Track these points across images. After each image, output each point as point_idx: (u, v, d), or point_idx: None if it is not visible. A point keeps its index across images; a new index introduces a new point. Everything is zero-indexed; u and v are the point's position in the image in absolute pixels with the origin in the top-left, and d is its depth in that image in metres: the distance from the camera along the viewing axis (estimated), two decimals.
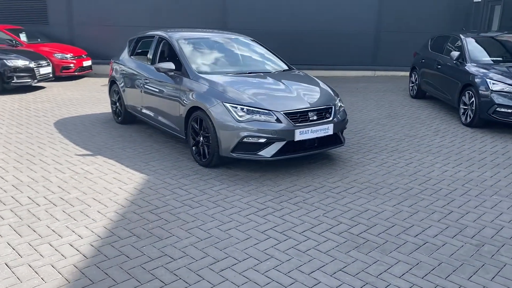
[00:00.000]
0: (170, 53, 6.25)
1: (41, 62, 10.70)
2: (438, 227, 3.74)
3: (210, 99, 4.97)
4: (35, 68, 10.42)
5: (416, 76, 10.09)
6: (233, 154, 4.82)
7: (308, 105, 4.97)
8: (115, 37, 14.00)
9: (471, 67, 7.57)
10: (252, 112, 4.77)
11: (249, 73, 5.71)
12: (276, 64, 6.29)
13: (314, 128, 4.89)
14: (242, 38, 6.64)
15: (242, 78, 5.46)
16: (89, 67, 13.22)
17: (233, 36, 6.59)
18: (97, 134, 6.66)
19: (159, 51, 6.29)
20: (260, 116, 4.75)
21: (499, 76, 7.03)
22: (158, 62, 6.08)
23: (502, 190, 4.62)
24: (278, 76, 5.68)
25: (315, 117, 4.95)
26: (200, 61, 5.75)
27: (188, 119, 5.32)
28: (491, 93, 6.91)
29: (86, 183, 4.64)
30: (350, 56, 14.46)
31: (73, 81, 12.38)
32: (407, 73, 14.16)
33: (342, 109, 5.45)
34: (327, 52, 14.39)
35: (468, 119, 7.39)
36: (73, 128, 6.99)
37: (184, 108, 5.34)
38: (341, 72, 14.42)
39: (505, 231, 3.68)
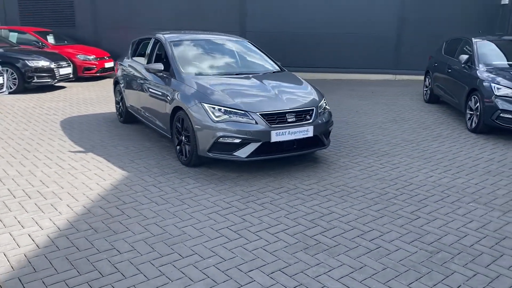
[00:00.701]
0: (164, 54, 6.39)
1: (61, 63, 11.16)
2: (398, 233, 3.66)
3: (190, 100, 5.05)
4: (55, 69, 10.87)
5: (429, 80, 9.82)
6: (210, 154, 4.88)
7: (287, 107, 4.96)
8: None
9: (478, 71, 7.32)
10: (229, 113, 4.81)
11: (236, 74, 5.76)
12: (267, 66, 6.31)
13: (292, 130, 4.88)
14: (237, 40, 6.70)
15: (226, 79, 5.52)
16: (111, 69, 13.63)
17: (228, 38, 6.66)
18: (97, 132, 6.89)
19: (154, 53, 6.44)
20: (236, 116, 4.79)
21: (506, 81, 6.76)
22: (150, 63, 6.23)
23: (482, 197, 4.45)
24: (263, 77, 5.70)
25: (293, 119, 4.94)
26: (188, 62, 5.86)
27: (173, 118, 5.43)
28: (495, 98, 6.66)
29: (67, 178, 4.82)
30: (371, 60, 14.24)
31: (94, 82, 12.82)
32: None
33: (326, 111, 5.40)
34: (347, 55, 14.23)
35: (473, 125, 7.14)
36: (77, 126, 7.25)
37: (169, 108, 5.45)
38: (362, 76, 14.22)
39: (468, 239, 3.55)
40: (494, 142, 6.60)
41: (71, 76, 11.67)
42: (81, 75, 12.76)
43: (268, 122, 4.80)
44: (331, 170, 5.24)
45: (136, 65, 6.83)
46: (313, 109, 5.14)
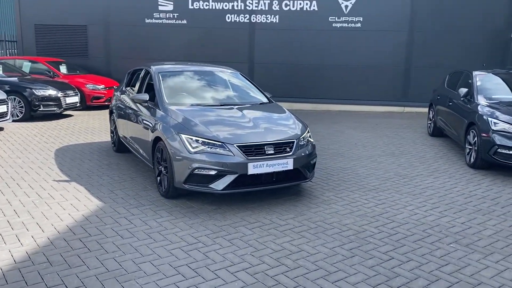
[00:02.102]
0: (153, 85, 6.43)
1: (68, 92, 11.38)
2: (365, 274, 3.45)
3: (169, 130, 5.02)
4: (61, 98, 11.08)
5: (433, 113, 9.62)
6: (186, 186, 4.79)
7: (265, 139, 4.86)
8: None
9: (477, 105, 7.12)
10: (206, 144, 4.74)
11: (220, 105, 5.72)
12: (254, 96, 6.27)
13: (270, 162, 4.76)
14: (227, 71, 6.71)
15: (208, 110, 5.48)
16: None
17: (218, 69, 6.68)
18: (87, 161, 6.89)
19: (145, 83, 6.48)
20: (213, 148, 4.72)
21: (504, 116, 6.53)
22: (139, 93, 6.27)
23: (465, 238, 4.21)
24: (246, 108, 5.65)
25: (272, 151, 4.83)
26: (174, 93, 5.86)
27: (154, 149, 5.39)
28: (492, 133, 6.43)
29: (42, 208, 4.78)
30: (379, 91, 14.12)
31: (102, 111, 13.00)
32: None
33: (310, 143, 5.28)
34: (355, 87, 14.16)
35: (472, 160, 6.89)
36: (70, 155, 7.29)
37: (151, 137, 5.42)
38: (369, 107, 14.08)
39: (439, 284, 3.32)
40: (492, 178, 6.33)
41: (78, 105, 11.87)
42: (89, 104, 13.00)
43: (246, 154, 4.70)
44: (312, 204, 5.07)
45: (127, 95, 6.88)
46: (293, 142, 5.03)
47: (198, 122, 5.03)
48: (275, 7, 14.15)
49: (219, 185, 4.68)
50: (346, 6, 13.87)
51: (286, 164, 4.86)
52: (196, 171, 4.68)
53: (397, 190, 5.72)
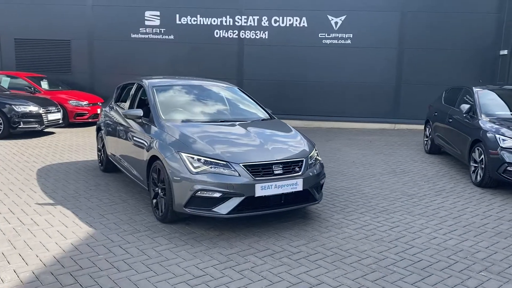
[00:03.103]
0: (146, 100, 6.02)
1: (50, 108, 10.84)
2: None
3: (167, 148, 4.60)
4: (43, 114, 10.53)
5: (430, 129, 9.42)
6: (186, 210, 4.36)
7: (273, 157, 4.49)
8: None
9: (481, 122, 6.91)
10: (210, 164, 4.34)
11: (221, 121, 5.34)
12: (255, 112, 5.91)
13: (279, 183, 4.38)
14: (224, 86, 6.35)
15: (209, 127, 5.09)
16: None
17: (214, 84, 6.32)
18: (73, 182, 6.39)
19: (137, 98, 6.07)
20: (217, 168, 4.31)
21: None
22: (131, 109, 5.85)
23: (494, 265, 3.88)
24: (248, 125, 5.28)
25: (280, 171, 4.46)
26: (171, 109, 5.46)
27: (149, 168, 4.95)
28: (501, 150, 6.20)
29: (25, 235, 4.28)
30: (370, 108, 13.96)
31: (85, 128, 12.47)
32: None
33: (318, 162, 4.92)
34: (345, 103, 13.98)
35: (479, 178, 6.64)
36: (53, 175, 6.77)
37: (146, 156, 4.99)
38: (359, 124, 13.88)
39: None
40: (503, 197, 6.07)
41: (61, 122, 11.32)
42: (72, 121, 12.46)
43: (253, 174, 4.31)
44: (323, 228, 4.70)
45: (118, 111, 6.44)
46: (302, 160, 4.67)
47: (199, 139, 4.63)
48: (264, 23, 13.96)
49: (224, 208, 4.27)
50: (336, 23, 13.77)
51: (295, 185, 4.48)
52: (198, 194, 4.26)
53: (408, 211, 5.40)
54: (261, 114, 5.91)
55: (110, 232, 4.43)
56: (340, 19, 13.73)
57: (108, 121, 6.70)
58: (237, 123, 5.32)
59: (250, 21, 13.98)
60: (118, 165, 6.34)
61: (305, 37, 13.85)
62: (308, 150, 4.88)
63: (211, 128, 5.07)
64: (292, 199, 4.59)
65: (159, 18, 14.24)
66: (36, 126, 10.44)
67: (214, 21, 14.07)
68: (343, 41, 13.84)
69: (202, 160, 4.36)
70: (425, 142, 9.76)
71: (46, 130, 11.23)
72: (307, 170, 4.65)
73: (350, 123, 13.97)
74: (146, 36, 14.35)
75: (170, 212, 4.52)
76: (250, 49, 14.11)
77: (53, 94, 12.53)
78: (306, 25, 13.84)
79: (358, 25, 13.68)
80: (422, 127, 13.80)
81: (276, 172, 4.43)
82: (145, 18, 14.26)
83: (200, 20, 14.12)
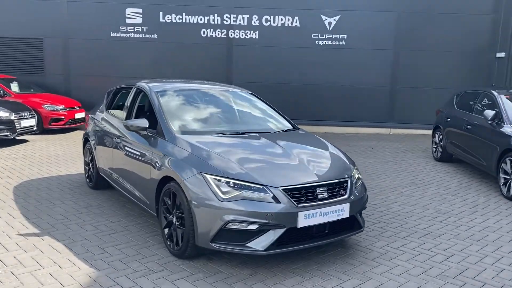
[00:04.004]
0: (148, 107, 5.18)
1: (23, 114, 9.74)
2: None
3: (186, 168, 3.77)
4: (15, 121, 9.43)
5: (441, 136, 8.87)
6: (213, 245, 3.55)
7: (316, 178, 3.74)
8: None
9: (511, 129, 6.36)
10: (241, 187, 3.55)
11: (241, 133, 4.54)
12: (276, 122, 5.15)
13: (324, 210, 3.63)
14: (237, 91, 5.56)
15: (231, 140, 4.30)
16: (82, 120, 12.27)
17: (226, 89, 5.51)
18: (59, 203, 5.46)
19: (136, 105, 5.20)
20: (251, 192, 3.52)
21: None
22: (131, 118, 4.98)
23: None
24: (276, 137, 4.51)
25: (325, 195, 3.71)
26: (180, 118, 4.63)
27: (160, 191, 4.11)
28: None
29: (9, 283, 3.37)
30: (364, 112, 13.40)
31: (62, 135, 11.40)
32: (425, 132, 13.11)
33: (360, 182, 4.20)
34: (339, 107, 13.37)
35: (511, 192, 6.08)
36: (34, 194, 5.81)
37: (155, 177, 4.14)
38: (355, 129, 13.30)
39: None
40: None
41: (35, 128, 10.22)
42: (47, 127, 11.35)
43: (294, 200, 3.55)
44: (371, 261, 3.97)
45: (112, 119, 5.54)
46: (347, 181, 3.93)
47: (224, 156, 3.83)
48: (254, 22, 13.20)
49: (261, 243, 3.48)
50: (330, 23, 13.15)
51: (341, 211, 3.74)
52: (229, 226, 3.46)
53: (454, 234, 4.74)
54: (283, 123, 5.15)
55: (117, 274, 3.56)
56: (334, 19, 13.12)
57: (99, 131, 5.79)
58: (261, 135, 4.54)
59: (240, 20, 13.19)
60: (111, 182, 5.45)
61: (298, 37, 13.16)
62: (350, 167, 4.15)
63: (234, 142, 4.27)
64: (337, 228, 3.84)
65: (141, 15, 13.26)
66: (8, 134, 9.34)
67: (201, 19, 13.21)
68: (337, 42, 13.23)
69: (231, 183, 3.56)
70: (434, 149, 9.21)
71: (18, 138, 10.10)
72: (353, 192, 3.92)
73: (344, 128, 13.37)
74: (127, 35, 13.33)
75: (191, 247, 3.69)
76: (240, 50, 13.32)
77: (25, 98, 11.41)
78: (298, 25, 13.16)
79: (352, 25, 13.10)
80: (418, 132, 13.59)
81: (320, 196, 3.67)
82: (126, 15, 13.24)
83: (186, 18, 13.22)
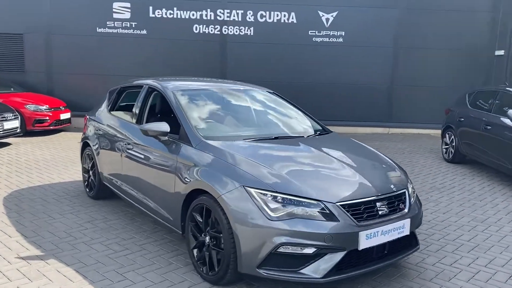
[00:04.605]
0: (163, 108, 4.62)
1: (6, 115, 8.97)
2: None
3: (223, 180, 3.23)
4: None
5: (453, 136, 8.53)
6: (262, 272, 3.02)
7: (374, 191, 3.25)
8: (99, 87, 12.45)
9: None
10: (291, 203, 3.03)
11: (274, 138, 4.01)
12: (305, 124, 4.65)
13: (385, 228, 3.16)
14: (259, 90, 5.03)
15: (267, 146, 3.77)
16: (68, 120, 11.53)
17: (246, 88, 4.96)
18: (59, 217, 4.83)
19: (147, 106, 4.61)
20: (304, 209, 3.01)
21: None
22: (146, 122, 4.40)
23: None
24: (314, 142, 4.01)
25: (385, 210, 3.23)
26: (205, 121, 4.08)
27: (187, 206, 3.56)
28: None
29: None
30: (362, 111, 13.01)
31: (47, 137, 10.62)
32: (423, 131, 12.85)
33: (415, 194, 3.73)
34: (336, 106, 12.94)
35: None
36: (28, 207, 5.15)
37: (182, 190, 3.58)
38: (353, 129, 12.89)
39: None
40: None
41: (19, 130, 9.45)
42: (30, 128, 10.56)
43: (354, 218, 3.05)
44: (430, 282, 3.52)
45: (119, 122, 4.94)
46: (404, 193, 3.47)
47: (266, 166, 3.30)
48: (249, 18, 12.65)
49: (318, 270, 2.97)
50: (327, 19, 12.72)
51: (402, 227, 3.28)
52: (280, 249, 2.94)
53: (503, 246, 4.35)
54: (312, 125, 4.65)
55: None
56: (332, 16, 12.69)
57: (102, 135, 5.17)
58: (296, 139, 4.03)
59: (234, 16, 12.62)
60: (118, 193, 4.86)
61: (294, 34, 12.68)
62: (405, 177, 3.68)
63: (271, 149, 3.74)
64: (396, 247, 3.36)
65: (129, 10, 12.54)
66: None
67: (193, 14, 12.58)
68: (334, 39, 12.80)
69: (279, 198, 3.04)
70: (445, 150, 8.87)
71: (0, 141, 9.32)
72: (412, 206, 3.45)
73: (342, 127, 12.87)
74: (115, 30, 12.59)
75: (231, 272, 3.15)
76: (234, 47, 12.75)
77: (5, 97, 10.59)
78: (295, 21, 12.67)
79: (350, 22, 12.69)
80: (416, 131, 13.32)
81: (381, 212, 3.19)
82: (113, 10, 12.49)
83: (177, 13, 12.57)
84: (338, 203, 3.05)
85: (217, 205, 3.20)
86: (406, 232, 3.31)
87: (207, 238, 3.35)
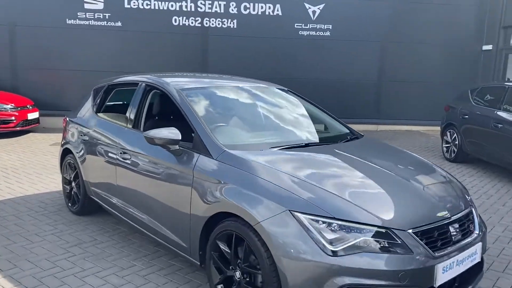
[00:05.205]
0: (165, 111, 3.90)
1: None
2: None
3: (262, 202, 2.58)
4: None
5: (455, 134, 8.14)
6: None
7: (446, 212, 2.67)
8: (70, 83, 11.50)
9: None
10: (353, 231, 2.41)
11: (305, 145, 3.38)
12: (332, 127, 4.05)
13: (460, 256, 2.59)
14: (274, 89, 4.37)
15: (304, 157, 3.14)
16: (36, 120, 10.52)
17: (261, 86, 4.29)
18: (38, 240, 4.05)
19: (145, 107, 3.88)
20: (369, 240, 2.40)
21: None
22: (145, 126, 3.69)
23: None
24: (354, 150, 3.40)
25: (458, 234, 2.66)
26: (223, 127, 3.40)
27: (208, 232, 2.89)
28: None
29: None
30: (350, 108, 12.53)
31: (14, 139, 9.61)
32: (412, 127, 12.53)
33: (476, 211, 3.19)
34: (324, 102, 12.22)
35: None
36: None
37: (201, 212, 2.90)
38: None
39: None
40: None
41: None
42: None
43: (429, 246, 2.46)
44: None
45: (110, 126, 4.18)
46: (472, 211, 2.91)
47: (315, 183, 2.66)
48: (232, 10, 11.93)
49: None
50: (314, 12, 12.15)
51: (475, 254, 2.73)
52: None
53: None
54: (340, 128, 4.06)
55: None
56: (318, 8, 12.13)
57: (88, 141, 4.40)
58: (330, 146, 3.42)
59: (216, 7, 11.87)
60: (110, 209, 4.12)
61: (279, 27, 12.05)
62: (466, 191, 3.13)
63: (310, 159, 3.11)
64: (466, 277, 2.80)
65: (102, 0, 11.58)
66: None
67: (172, 5, 11.74)
68: (321, 33, 12.26)
69: (335, 225, 2.42)
70: (446, 148, 8.48)
71: None
72: (480, 226, 2.90)
73: None
74: (86, 22, 11.60)
75: None
76: (216, 40, 12.00)
77: None
78: (280, 13, 12.04)
79: (338, 15, 12.17)
80: (405, 128, 12.97)
81: (454, 237, 2.62)
82: (85, 0, 11.52)
83: (154, 4, 11.70)
84: (410, 230, 2.45)
85: (253, 234, 2.55)
86: (478, 258, 2.76)
87: (238, 273, 2.70)
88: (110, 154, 3.97)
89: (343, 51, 12.29)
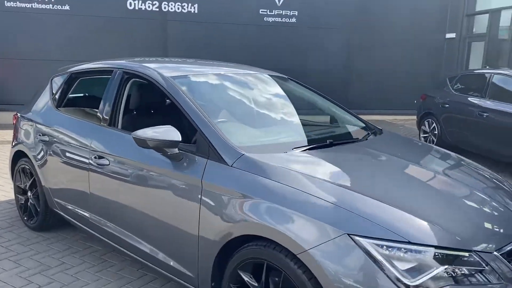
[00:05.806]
0: (149, 103, 3.19)
1: None
2: None
3: (306, 223, 1.97)
4: None
5: (434, 124, 7.90)
6: None
7: None
8: (13, 73, 10.24)
9: None
10: (431, 258, 1.86)
11: (330, 144, 2.78)
12: (348, 121, 3.50)
13: None
14: (276, 77, 3.74)
15: (340, 159, 2.57)
16: None
17: (261, 74, 3.62)
18: None
19: (122, 101, 3.14)
20: (452, 268, 1.86)
21: None
22: (123, 122, 2.97)
23: None
24: (391, 149, 2.87)
25: None
26: (232, 123, 2.75)
27: (224, 259, 2.26)
28: None
29: None
30: None
31: None
32: (380, 117, 12.34)
33: None
34: None
35: None
36: None
37: (215, 233, 2.26)
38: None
39: None
40: None
41: None
42: None
43: None
44: None
45: (77, 124, 3.40)
46: None
47: (370, 195, 2.08)
48: None
49: None
50: None
51: None
52: None
53: None
54: (354, 122, 3.51)
55: None
56: None
57: (48, 142, 3.58)
58: (358, 144, 2.87)
59: None
60: (82, 226, 3.36)
61: (244, 13, 11.39)
62: None
63: (346, 163, 2.53)
64: None
65: None
66: None
67: None
68: (287, 19, 11.72)
69: (410, 252, 1.86)
70: (424, 138, 8.25)
71: None
72: None
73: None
74: (29, 5, 10.34)
75: None
76: (175, 26, 11.14)
77: None
78: None
79: (303, 1, 11.68)
80: (374, 117, 12.67)
81: None
82: None
83: None
84: (497, 252, 1.94)
85: (296, 264, 1.94)
86: None
87: None
88: (79, 158, 3.20)
89: (309, 39, 11.83)
